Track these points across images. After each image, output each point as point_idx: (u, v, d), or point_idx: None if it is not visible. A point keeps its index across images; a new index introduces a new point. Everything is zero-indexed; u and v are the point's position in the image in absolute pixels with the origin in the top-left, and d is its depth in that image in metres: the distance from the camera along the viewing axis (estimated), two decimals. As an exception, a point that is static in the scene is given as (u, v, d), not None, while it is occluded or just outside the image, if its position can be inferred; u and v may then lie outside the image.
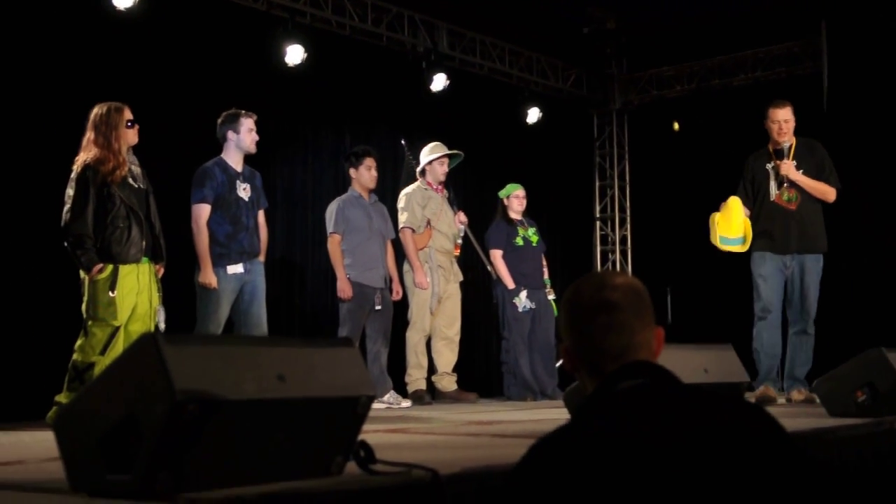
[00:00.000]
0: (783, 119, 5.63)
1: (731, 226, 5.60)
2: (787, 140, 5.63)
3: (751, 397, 4.99)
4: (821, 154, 5.70)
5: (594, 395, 1.63)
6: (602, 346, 1.65)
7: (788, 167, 5.59)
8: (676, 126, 9.70)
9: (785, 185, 5.61)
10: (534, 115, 8.95)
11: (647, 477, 1.38)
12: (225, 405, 1.85)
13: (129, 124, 4.62)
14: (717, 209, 5.73)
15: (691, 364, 3.31)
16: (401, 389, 6.30)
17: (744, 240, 5.57)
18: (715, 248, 5.72)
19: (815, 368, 5.53)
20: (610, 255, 10.15)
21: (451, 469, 2.11)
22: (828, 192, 5.63)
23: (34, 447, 3.35)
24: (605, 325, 1.65)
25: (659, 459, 1.40)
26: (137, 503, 1.71)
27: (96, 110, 4.59)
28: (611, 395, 1.57)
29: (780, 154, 5.67)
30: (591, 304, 1.67)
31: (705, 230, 5.82)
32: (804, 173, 5.63)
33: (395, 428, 3.84)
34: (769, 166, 5.71)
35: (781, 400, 5.56)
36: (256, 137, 5.36)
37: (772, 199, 5.65)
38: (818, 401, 4.25)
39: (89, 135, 4.57)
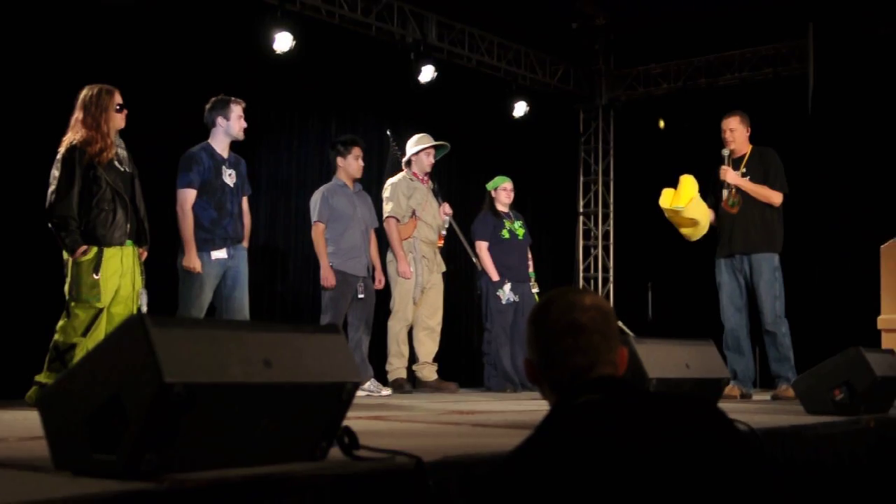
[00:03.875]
0: (728, 128, 5.94)
1: (679, 197, 5.85)
2: (733, 147, 5.93)
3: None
4: (769, 161, 5.93)
5: (554, 409, 1.67)
6: (567, 366, 1.69)
7: (725, 172, 5.89)
8: (662, 124, 9.75)
9: (732, 190, 5.89)
10: (520, 108, 8.97)
11: (604, 489, 1.42)
12: (211, 388, 1.86)
13: (119, 108, 4.60)
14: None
15: (673, 359, 3.34)
16: (381, 378, 6.32)
17: (683, 208, 5.79)
18: (689, 243, 6.06)
19: (797, 366, 5.64)
20: (592, 250, 10.19)
21: (433, 456, 2.13)
22: (771, 196, 5.87)
23: (14, 426, 3.34)
24: (571, 347, 1.68)
25: (616, 470, 1.43)
26: (122, 483, 1.71)
27: (86, 91, 4.57)
28: (570, 409, 1.60)
29: (739, 160, 5.96)
30: (559, 326, 1.69)
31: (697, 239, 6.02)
32: (751, 179, 5.88)
33: (376, 415, 3.85)
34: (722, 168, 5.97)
35: (759, 397, 5.71)
36: (245, 124, 5.35)
37: (721, 206, 5.94)
38: None
39: (77, 115, 4.54)
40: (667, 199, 5.87)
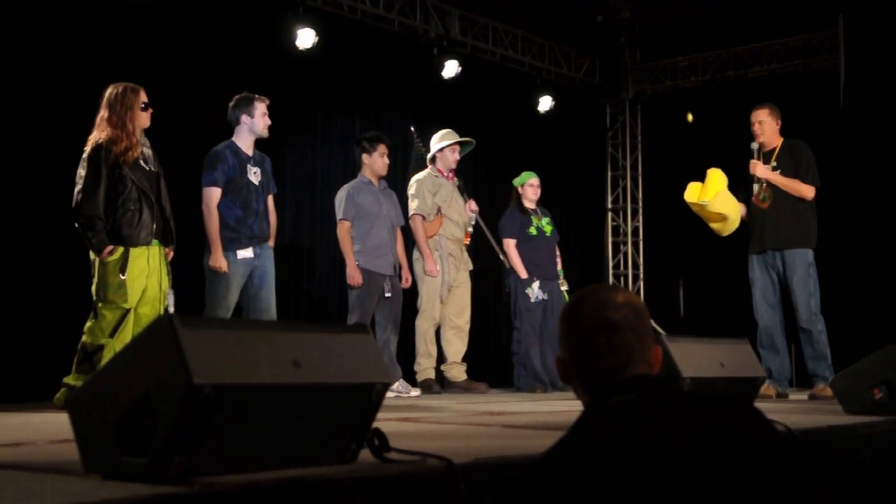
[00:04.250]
0: (757, 120, 5.89)
1: (706, 191, 5.81)
2: (763, 140, 5.87)
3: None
4: (800, 153, 5.87)
5: (587, 410, 1.65)
6: (600, 365, 1.67)
7: (754, 166, 5.83)
8: (690, 117, 9.66)
9: (763, 184, 5.84)
10: (546, 103, 8.93)
11: (639, 491, 1.40)
12: (240, 390, 1.85)
13: (144, 107, 4.62)
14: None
15: (707, 358, 3.30)
16: (410, 378, 6.31)
17: (709, 202, 5.76)
18: (721, 238, 6.00)
19: (834, 364, 5.58)
20: (621, 247, 10.14)
21: (464, 459, 2.11)
22: (802, 189, 5.80)
23: (44, 428, 3.36)
24: (604, 346, 1.66)
25: (650, 472, 1.41)
26: (152, 486, 1.71)
27: (111, 89, 4.59)
28: (604, 409, 1.59)
29: (769, 153, 5.90)
30: (591, 324, 1.67)
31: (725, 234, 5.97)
32: (782, 173, 5.82)
33: (405, 417, 3.84)
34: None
35: (796, 397, 5.67)
36: (269, 122, 5.36)
37: (752, 201, 5.90)
38: None
39: (103, 113, 4.56)
40: (693, 193, 5.83)
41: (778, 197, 5.80)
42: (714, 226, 5.91)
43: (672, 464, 1.43)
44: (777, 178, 5.79)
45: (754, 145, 5.88)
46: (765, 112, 5.88)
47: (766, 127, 5.86)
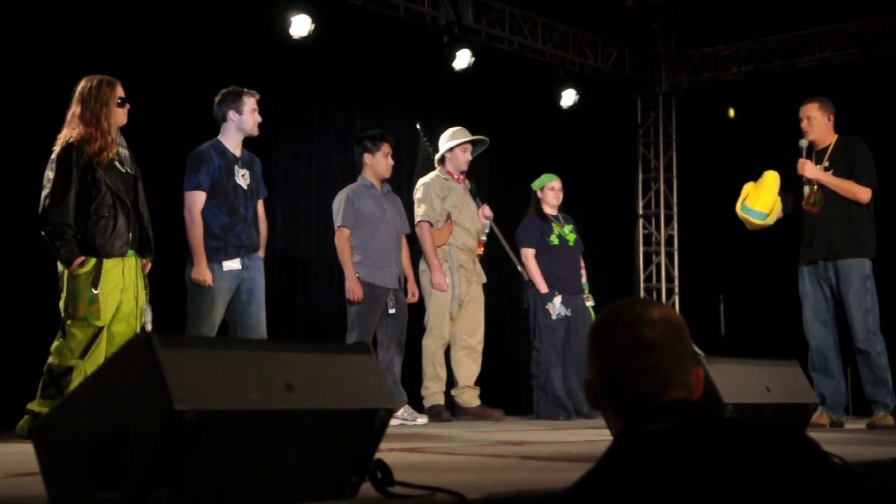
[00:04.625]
0: (806, 116, 5.88)
1: (760, 198, 5.80)
2: (813, 138, 5.86)
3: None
4: (855, 151, 5.85)
5: (619, 439, 1.65)
6: (633, 389, 1.66)
7: (803, 166, 5.81)
8: (732, 113, 9.67)
9: (814, 187, 5.82)
10: (569, 97, 8.95)
11: None
12: (227, 416, 1.86)
13: (120, 102, 4.64)
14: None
15: (751, 381, 3.30)
16: (416, 404, 6.31)
17: (766, 216, 5.77)
18: (766, 248, 5.99)
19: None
20: (654, 257, 10.14)
21: (477, 493, 2.12)
22: (857, 191, 5.78)
23: (5, 460, 3.37)
24: (637, 368, 1.66)
25: None
26: (128, 525, 1.71)
27: (84, 83, 4.61)
28: (638, 438, 1.58)
29: (822, 152, 5.89)
30: (624, 343, 1.67)
31: (763, 231, 5.90)
32: (834, 173, 5.81)
33: (411, 447, 3.85)
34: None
35: (852, 426, 5.67)
36: (259, 119, 5.39)
37: (802, 205, 5.87)
38: None
39: (75, 109, 4.58)
40: (749, 199, 5.80)
41: (830, 200, 5.78)
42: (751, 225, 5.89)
43: (713, 500, 1.42)
44: (828, 179, 5.77)
45: (803, 143, 5.87)
46: (814, 106, 5.87)
47: (816, 123, 5.86)
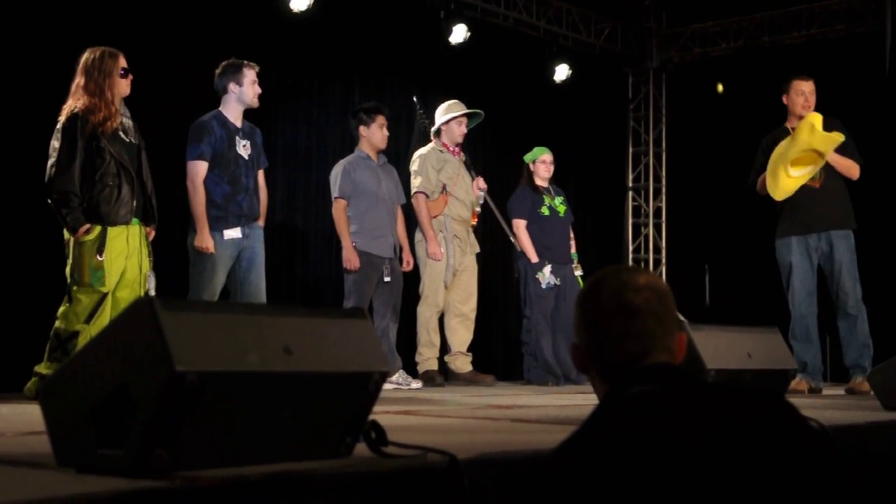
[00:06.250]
0: (810, 91, 5.83)
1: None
2: (807, 114, 5.76)
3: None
4: (842, 130, 5.80)
5: (604, 401, 1.66)
6: (618, 352, 1.68)
7: None
8: (720, 88, 9.64)
9: None
10: (562, 72, 8.93)
11: (660, 489, 1.41)
12: (226, 377, 1.87)
13: (123, 73, 4.63)
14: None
15: (734, 348, 3.32)
16: (411, 369, 6.34)
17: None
18: (750, 220, 5.89)
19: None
20: (643, 229, 10.14)
21: (468, 454, 2.13)
22: (852, 168, 5.79)
23: (13, 420, 3.38)
24: (623, 332, 1.67)
25: (671, 468, 1.42)
26: (130, 481, 1.72)
27: (88, 55, 4.59)
28: (622, 400, 1.59)
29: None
30: (610, 307, 1.68)
31: (748, 203, 5.86)
32: None
33: (405, 410, 3.86)
34: None
35: (830, 392, 5.71)
36: (259, 90, 5.37)
37: None
38: None
39: (79, 80, 4.57)
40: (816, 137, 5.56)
41: (829, 176, 5.77)
42: (777, 175, 5.71)
43: (695, 460, 1.43)
44: (833, 156, 5.70)
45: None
46: (812, 84, 5.85)
47: (813, 100, 5.83)
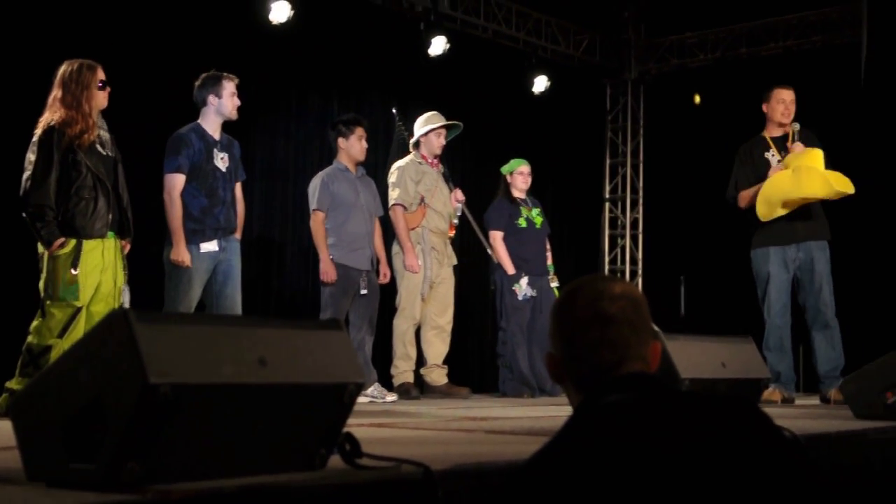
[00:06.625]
0: (790, 100, 5.86)
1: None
2: (787, 122, 5.86)
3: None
4: (816, 142, 5.87)
5: (579, 410, 1.67)
6: (593, 361, 1.68)
7: (797, 149, 5.75)
8: (698, 99, 9.70)
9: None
10: (541, 83, 8.96)
11: (635, 498, 1.42)
12: (200, 389, 1.88)
13: (101, 85, 4.62)
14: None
15: (708, 357, 3.35)
16: (386, 382, 6.34)
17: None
18: (726, 232, 5.89)
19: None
20: (619, 240, 10.18)
21: (442, 465, 2.14)
22: None
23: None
24: (597, 340, 1.68)
25: (645, 477, 1.43)
26: (101, 494, 1.72)
27: (65, 67, 4.58)
28: (597, 409, 1.60)
29: (783, 140, 5.87)
30: (585, 316, 1.69)
31: (724, 215, 5.90)
32: None
33: (380, 422, 3.86)
34: (769, 154, 5.87)
35: (803, 402, 5.76)
36: (238, 103, 5.37)
37: None
38: None
39: (56, 93, 4.55)
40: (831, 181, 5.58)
41: None
42: (770, 208, 5.73)
43: (669, 468, 1.44)
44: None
45: (796, 126, 5.83)
46: (793, 93, 5.88)
47: (793, 109, 5.87)
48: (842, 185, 5.59)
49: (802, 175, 5.61)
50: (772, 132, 5.93)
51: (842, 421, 3.79)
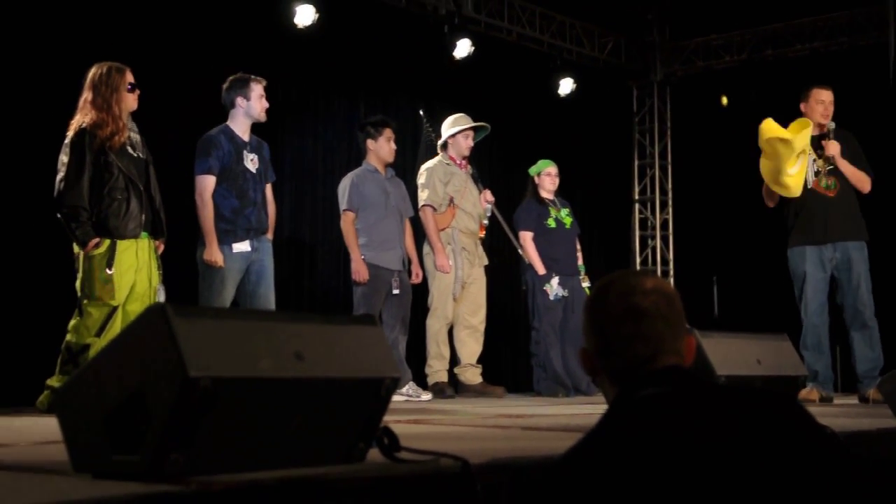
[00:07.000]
0: (829, 100, 5.80)
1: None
2: (825, 122, 5.78)
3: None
4: (855, 143, 5.83)
5: (614, 404, 1.66)
6: (627, 355, 1.67)
7: (836, 148, 5.70)
8: (725, 100, 9.65)
9: (823, 171, 5.75)
10: (567, 86, 8.93)
11: (673, 492, 1.41)
12: (239, 383, 1.88)
13: (130, 88, 4.65)
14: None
15: (743, 354, 3.32)
16: (420, 382, 6.34)
17: (793, 139, 5.54)
18: (758, 231, 5.85)
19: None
20: (649, 241, 10.14)
21: (480, 459, 2.13)
22: (865, 181, 5.78)
23: (24, 431, 3.40)
24: (631, 335, 1.67)
25: (682, 471, 1.42)
26: (146, 485, 1.73)
27: (95, 70, 4.62)
28: (633, 403, 1.59)
29: (820, 139, 5.80)
30: (618, 311, 1.68)
31: (755, 214, 5.84)
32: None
33: (416, 419, 3.86)
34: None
35: (841, 401, 5.71)
36: (266, 105, 5.39)
37: (809, 187, 5.76)
38: None
39: (87, 95, 4.59)
40: (772, 128, 5.57)
41: (844, 186, 5.75)
42: (782, 184, 5.68)
43: (707, 462, 1.43)
44: (847, 167, 5.70)
45: (831, 125, 5.77)
46: (831, 93, 5.83)
47: (832, 110, 5.80)
48: (797, 127, 5.57)
49: (772, 149, 5.59)
50: (816, 129, 5.84)
51: (882, 419, 3.74)
